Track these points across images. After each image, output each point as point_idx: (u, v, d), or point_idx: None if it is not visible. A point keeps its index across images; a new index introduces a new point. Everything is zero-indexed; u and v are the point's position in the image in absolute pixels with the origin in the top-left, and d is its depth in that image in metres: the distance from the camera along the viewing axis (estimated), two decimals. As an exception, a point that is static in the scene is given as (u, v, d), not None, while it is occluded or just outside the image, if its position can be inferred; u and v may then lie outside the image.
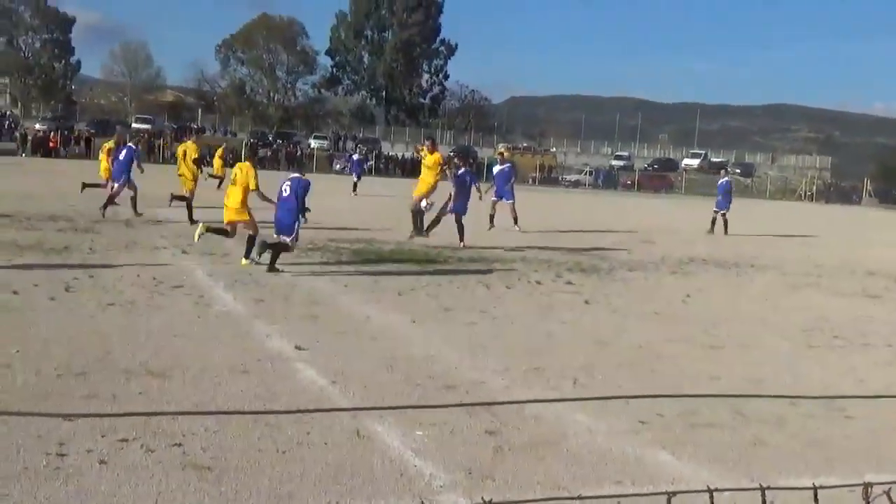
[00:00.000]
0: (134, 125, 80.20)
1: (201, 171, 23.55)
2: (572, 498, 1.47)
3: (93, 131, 73.31)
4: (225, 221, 14.76)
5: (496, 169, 25.38)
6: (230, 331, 9.38)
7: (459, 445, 6.11)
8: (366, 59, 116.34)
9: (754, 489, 1.42)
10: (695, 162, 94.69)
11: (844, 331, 11.77)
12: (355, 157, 44.72)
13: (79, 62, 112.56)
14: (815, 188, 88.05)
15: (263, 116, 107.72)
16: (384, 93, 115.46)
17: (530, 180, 73.84)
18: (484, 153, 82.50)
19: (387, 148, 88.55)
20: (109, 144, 23.92)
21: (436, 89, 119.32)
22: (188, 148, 22.82)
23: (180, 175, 22.27)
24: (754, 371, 9.10)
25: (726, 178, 29.82)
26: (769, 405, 7.54)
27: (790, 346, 10.60)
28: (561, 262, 17.25)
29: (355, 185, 39.16)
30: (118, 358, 7.85)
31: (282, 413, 6.27)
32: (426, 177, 19.68)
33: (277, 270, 13.49)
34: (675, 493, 1.37)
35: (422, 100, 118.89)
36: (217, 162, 35.32)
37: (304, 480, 5.32)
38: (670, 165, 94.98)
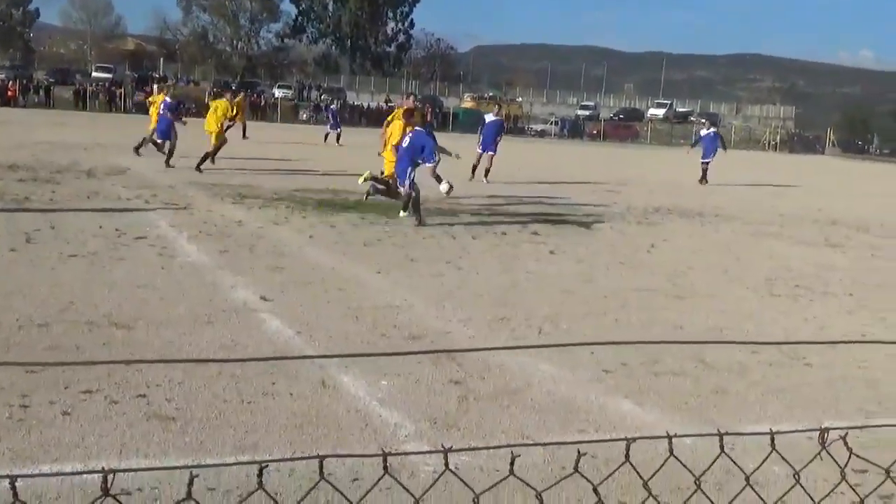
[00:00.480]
0: (94, 74, 79.02)
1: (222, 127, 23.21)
2: (534, 444, 1.47)
3: (52, 80, 72.16)
4: (387, 174, 16.50)
5: (488, 119, 24.73)
6: (194, 281, 9.32)
7: (424, 395, 6.13)
8: (330, 7, 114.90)
9: (713, 435, 1.42)
10: (660, 112, 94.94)
11: (806, 280, 11.90)
12: (333, 107, 44.31)
13: (37, 10, 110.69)
14: (778, 138, 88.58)
15: (227, 65, 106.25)
16: (349, 41, 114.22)
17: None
18: (450, 102, 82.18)
19: (352, 97, 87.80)
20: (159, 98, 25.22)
21: (401, 38, 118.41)
22: (220, 105, 22.85)
23: (209, 131, 22.28)
24: (717, 320, 9.19)
25: (713, 130, 30.58)
26: (732, 354, 7.62)
27: (753, 295, 10.71)
28: (527, 213, 17.28)
29: (327, 135, 38.95)
30: (81, 309, 7.78)
31: (247, 360, 6.25)
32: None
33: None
34: (633, 440, 1.37)
35: (387, 48, 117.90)
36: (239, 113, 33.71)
37: (269, 431, 5.32)
38: (636, 115, 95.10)
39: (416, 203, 14.94)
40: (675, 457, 1.49)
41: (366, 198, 16.72)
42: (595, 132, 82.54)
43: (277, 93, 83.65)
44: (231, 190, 17.56)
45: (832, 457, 1.53)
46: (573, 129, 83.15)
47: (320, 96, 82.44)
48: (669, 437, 1.39)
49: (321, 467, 1.47)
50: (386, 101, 78.02)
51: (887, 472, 1.64)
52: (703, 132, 30.35)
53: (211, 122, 22.17)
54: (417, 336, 7.67)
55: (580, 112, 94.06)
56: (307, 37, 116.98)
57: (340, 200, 17.25)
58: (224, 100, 23.39)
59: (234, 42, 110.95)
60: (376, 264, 10.93)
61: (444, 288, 9.84)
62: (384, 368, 6.51)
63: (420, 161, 15.29)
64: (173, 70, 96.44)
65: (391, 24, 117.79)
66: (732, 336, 8.35)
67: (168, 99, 23.13)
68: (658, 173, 31.43)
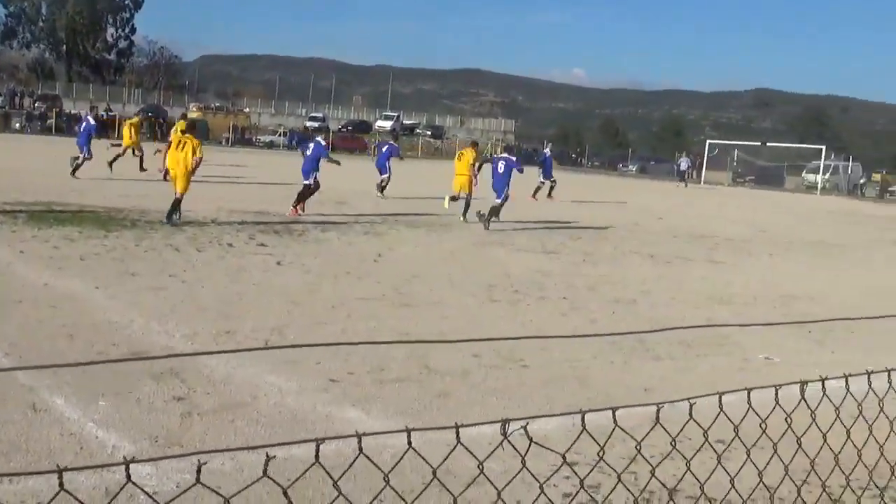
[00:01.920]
0: None
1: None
2: (263, 446, 1.46)
3: None
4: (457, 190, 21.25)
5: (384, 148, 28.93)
6: None
7: (145, 413, 5.91)
8: (44, 10, 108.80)
9: (401, 431, 1.47)
10: (388, 124, 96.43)
11: (524, 285, 12.46)
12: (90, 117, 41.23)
13: None
14: (500, 150, 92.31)
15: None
16: (65, 47, 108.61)
17: (223, 141, 72.29)
18: (175, 112, 79.78)
19: (69, 105, 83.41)
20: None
21: (122, 44, 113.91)
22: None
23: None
24: (442, 326, 9.45)
25: (548, 150, 34.09)
26: (455, 359, 7.85)
27: (475, 301, 11.09)
28: (254, 224, 17.08)
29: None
30: None
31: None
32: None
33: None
34: (323, 440, 1.38)
35: (107, 55, 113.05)
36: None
37: (-28, 460, 4.95)
38: (364, 127, 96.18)
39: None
40: (365, 455, 1.51)
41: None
42: (324, 144, 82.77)
43: (-14, 99, 78.14)
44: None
45: (513, 446, 1.61)
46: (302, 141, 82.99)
47: (34, 104, 77.82)
48: (359, 436, 1.41)
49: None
50: (106, 111, 74.68)
51: (563, 456, 1.74)
52: (544, 152, 33.66)
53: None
54: (138, 352, 7.39)
55: (309, 123, 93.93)
56: (19, 41, 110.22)
57: (55, 213, 16.36)
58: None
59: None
60: (94, 279, 10.45)
61: (168, 302, 9.54)
62: (102, 388, 6.23)
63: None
64: None
65: (111, 30, 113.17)
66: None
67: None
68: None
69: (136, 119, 32.82)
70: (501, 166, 20.82)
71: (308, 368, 7.18)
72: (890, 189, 65.57)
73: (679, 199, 39.72)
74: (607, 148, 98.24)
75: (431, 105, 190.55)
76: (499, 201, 20.23)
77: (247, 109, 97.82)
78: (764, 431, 2.08)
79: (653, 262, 16.40)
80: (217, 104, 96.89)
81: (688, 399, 1.88)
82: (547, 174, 32.51)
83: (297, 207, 19.89)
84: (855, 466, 2.45)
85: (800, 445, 2.18)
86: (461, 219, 20.68)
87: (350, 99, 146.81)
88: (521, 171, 20.83)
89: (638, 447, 1.88)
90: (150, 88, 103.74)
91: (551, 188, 32.06)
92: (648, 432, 1.92)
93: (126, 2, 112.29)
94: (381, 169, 27.74)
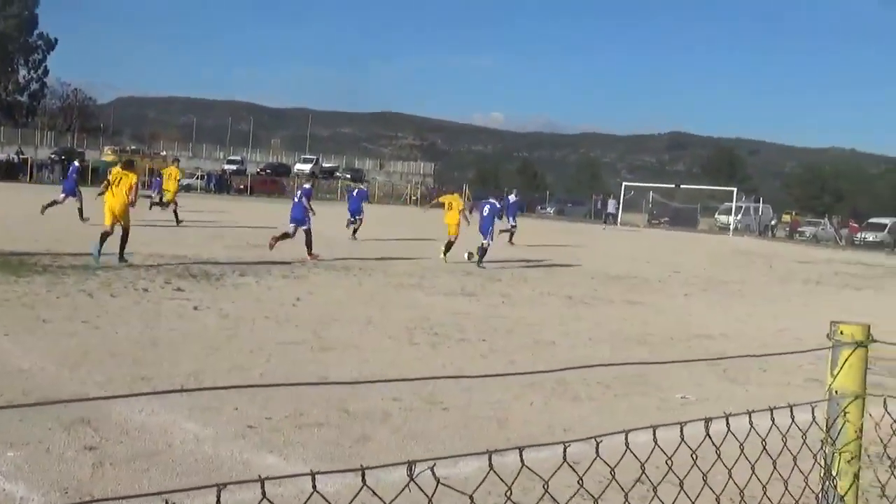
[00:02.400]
0: None
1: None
2: (161, 493, 1.45)
3: None
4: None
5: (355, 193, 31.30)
6: None
7: (56, 464, 5.77)
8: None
9: (305, 474, 1.48)
10: (307, 167, 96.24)
11: (444, 328, 12.49)
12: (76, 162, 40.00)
13: None
14: (419, 192, 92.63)
15: None
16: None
17: (140, 184, 71.19)
18: (90, 155, 78.49)
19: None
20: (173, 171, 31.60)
21: (34, 86, 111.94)
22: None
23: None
24: (362, 369, 9.41)
25: (513, 196, 34.63)
26: (374, 402, 7.83)
27: (395, 344, 11.07)
28: (170, 268, 16.84)
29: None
30: None
31: None
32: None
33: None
34: (225, 485, 1.38)
35: (19, 97, 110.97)
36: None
37: None
38: (283, 170, 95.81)
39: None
40: (268, 500, 1.52)
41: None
42: (242, 186, 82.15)
43: None
44: None
45: (419, 487, 1.62)
46: (220, 184, 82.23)
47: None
48: (262, 480, 1.42)
49: None
50: (17, 153, 73.20)
51: (471, 497, 1.75)
52: (510, 197, 34.24)
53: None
54: (50, 401, 7.21)
55: (227, 166, 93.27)
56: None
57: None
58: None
59: None
60: (3, 327, 10.17)
61: (80, 349, 9.34)
62: (10, 438, 6.07)
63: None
64: None
65: (23, 72, 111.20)
66: (375, 384, 8.50)
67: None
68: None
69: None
70: (486, 210, 23.27)
71: (225, 414, 7.09)
72: (799, 229, 67.40)
73: (598, 241, 40.30)
74: (526, 190, 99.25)
75: (350, 148, 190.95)
76: (486, 241, 22.49)
77: (163, 152, 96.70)
78: (670, 468, 2.12)
79: (571, 303, 16.58)
80: (133, 147, 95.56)
81: (594, 437, 1.91)
82: (512, 219, 33.42)
83: (313, 254, 20.89)
84: (760, 501, 2.50)
85: (705, 482, 2.23)
86: (442, 257, 22.73)
87: (268, 142, 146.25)
88: (500, 216, 23.95)
89: (545, 486, 1.90)
90: (63, 131, 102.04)
91: (513, 233, 32.89)
92: (555, 472, 1.95)
93: (38, 43, 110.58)
94: (354, 212, 29.74)
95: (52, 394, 7.49)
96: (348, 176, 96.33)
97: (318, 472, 1.54)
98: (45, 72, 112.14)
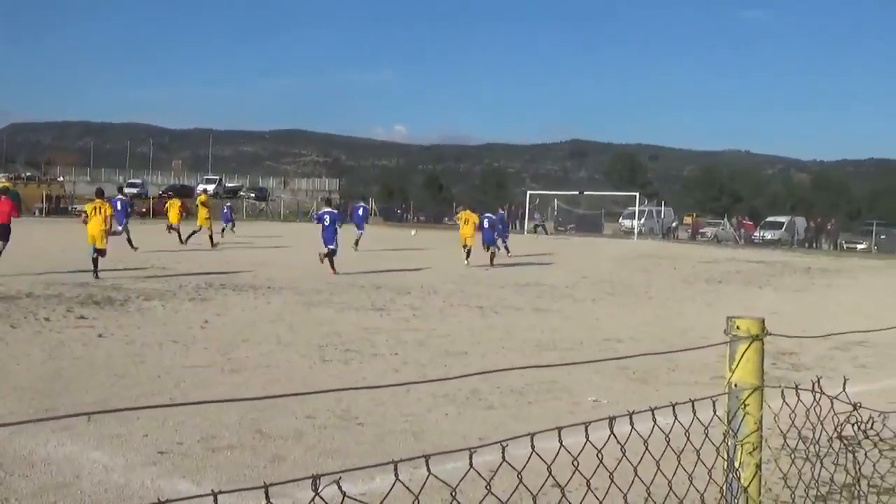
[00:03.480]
0: None
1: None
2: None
3: None
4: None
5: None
6: None
7: (-42, 503, 5.59)
8: None
9: (207, 495, 1.47)
10: (210, 187, 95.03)
11: (355, 343, 12.45)
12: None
13: None
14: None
15: None
16: None
17: (36, 211, 69.51)
18: (-17, 184, 76.12)
19: None
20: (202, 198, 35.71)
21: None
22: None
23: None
24: (274, 388, 9.31)
25: (503, 212, 36.19)
26: (288, 422, 7.77)
27: (306, 362, 11.00)
28: (72, 296, 16.45)
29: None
30: None
31: None
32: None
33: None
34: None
35: None
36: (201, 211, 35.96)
37: None
38: (186, 191, 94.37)
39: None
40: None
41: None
42: (144, 210, 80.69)
43: None
44: None
45: (325, 502, 1.63)
46: (122, 208, 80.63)
47: None
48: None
49: None
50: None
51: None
52: (500, 213, 35.11)
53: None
54: (-52, 439, 6.97)
55: (128, 190, 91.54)
56: None
57: None
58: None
59: None
60: None
61: (-20, 383, 9.05)
62: None
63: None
64: None
65: None
66: (287, 403, 8.39)
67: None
68: (212, 251, 31.41)
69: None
70: (486, 222, 29.63)
71: (135, 442, 6.95)
72: (700, 231, 68.91)
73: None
74: (432, 203, 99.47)
75: (253, 167, 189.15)
76: (493, 248, 29.10)
77: (60, 178, 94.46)
78: (577, 469, 2.16)
79: (481, 313, 16.67)
80: (28, 174, 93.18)
81: (500, 442, 1.93)
82: (503, 233, 34.26)
83: (334, 269, 23.39)
84: (666, 497, 2.56)
85: (612, 481, 2.28)
86: (465, 262, 28.04)
87: (169, 164, 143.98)
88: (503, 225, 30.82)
89: (453, 493, 1.92)
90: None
91: (499, 250, 32.92)
92: (463, 478, 1.97)
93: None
94: (358, 226, 34.49)
95: (-48, 431, 7.24)
96: (252, 195, 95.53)
97: (220, 492, 1.53)
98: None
